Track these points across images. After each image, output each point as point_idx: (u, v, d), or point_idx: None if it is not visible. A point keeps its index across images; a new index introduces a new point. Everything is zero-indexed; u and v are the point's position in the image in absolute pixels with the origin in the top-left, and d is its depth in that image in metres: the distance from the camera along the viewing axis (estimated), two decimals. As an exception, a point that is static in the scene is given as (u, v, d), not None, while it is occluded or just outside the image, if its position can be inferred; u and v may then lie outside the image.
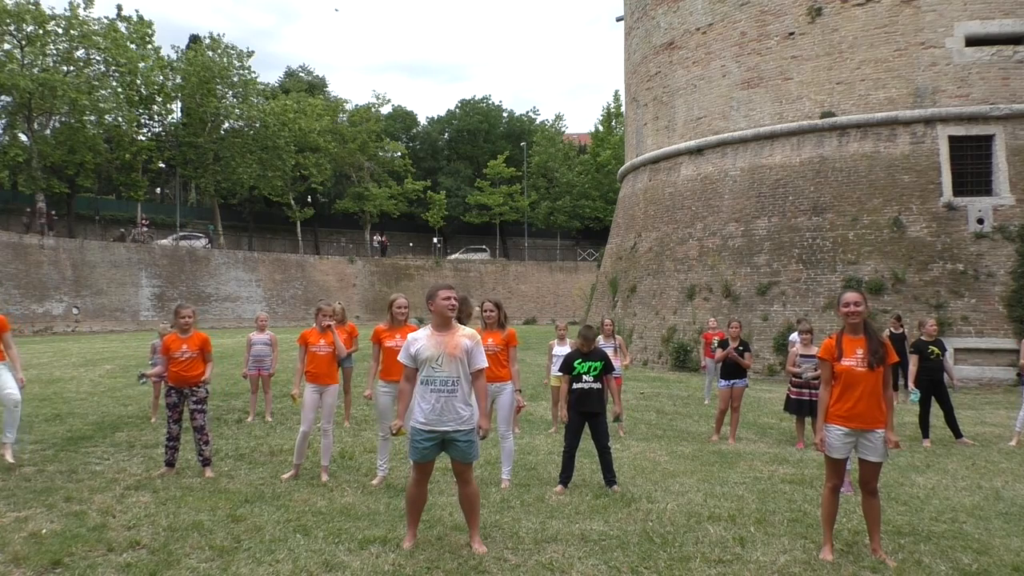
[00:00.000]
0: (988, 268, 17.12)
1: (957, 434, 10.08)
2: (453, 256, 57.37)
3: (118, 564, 4.69)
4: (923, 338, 10.23)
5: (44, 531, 5.30)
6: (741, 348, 9.85)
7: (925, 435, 9.95)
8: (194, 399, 7.20)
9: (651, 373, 19.66)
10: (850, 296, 5.06)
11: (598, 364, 6.87)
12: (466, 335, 5.02)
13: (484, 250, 58.76)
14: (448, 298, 5.00)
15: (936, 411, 10.15)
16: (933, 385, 10.01)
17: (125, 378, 15.34)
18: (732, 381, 9.80)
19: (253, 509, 5.94)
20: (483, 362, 5.03)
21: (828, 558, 4.91)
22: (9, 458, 7.08)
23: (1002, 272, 17.01)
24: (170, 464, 7.20)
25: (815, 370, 8.83)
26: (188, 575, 4.57)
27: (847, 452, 5.02)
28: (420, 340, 5.00)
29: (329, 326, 7.49)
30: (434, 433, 4.91)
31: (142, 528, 5.40)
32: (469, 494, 5.05)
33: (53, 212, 40.66)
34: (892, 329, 13.17)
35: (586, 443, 7.06)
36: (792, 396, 9.60)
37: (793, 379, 9.51)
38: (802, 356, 9.56)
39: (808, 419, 9.64)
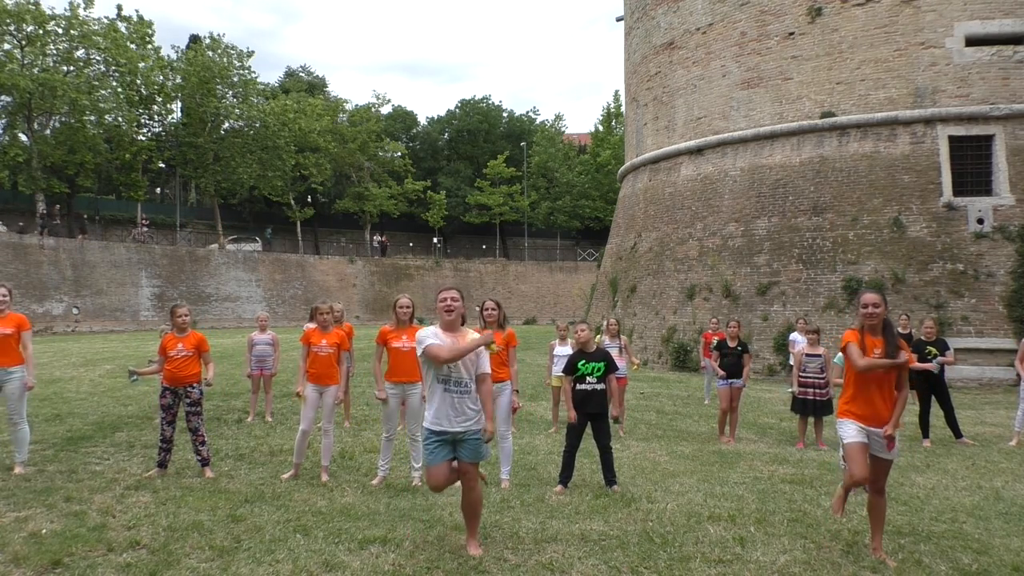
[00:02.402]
0: (988, 268, 17.11)
1: (957, 434, 10.08)
2: (212, 245, 47.47)
3: (118, 564, 4.69)
4: (922, 338, 10.25)
5: (44, 531, 5.30)
6: (740, 348, 9.87)
7: (925, 435, 9.95)
8: (188, 400, 7.20)
9: (651, 373, 19.66)
10: (868, 297, 5.05)
11: (601, 365, 6.88)
12: (475, 338, 5.07)
13: (256, 240, 51.06)
14: (444, 299, 5.08)
15: (936, 411, 10.16)
16: (932, 385, 10.02)
17: (125, 378, 15.31)
18: (731, 380, 9.80)
19: (253, 509, 5.94)
20: (488, 366, 5.09)
21: (838, 515, 5.54)
22: (20, 471, 7.19)
23: (1002, 272, 17.00)
24: (161, 465, 7.18)
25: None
26: (188, 575, 4.57)
27: (865, 437, 4.93)
28: (434, 338, 4.98)
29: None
30: (445, 434, 4.93)
31: (142, 528, 5.40)
32: (473, 500, 5.03)
33: (85, 216, 40.42)
34: (900, 328, 13.18)
35: (586, 443, 7.05)
36: (797, 396, 9.61)
37: (799, 377, 9.52)
38: (808, 356, 9.57)
39: (811, 419, 9.66)
